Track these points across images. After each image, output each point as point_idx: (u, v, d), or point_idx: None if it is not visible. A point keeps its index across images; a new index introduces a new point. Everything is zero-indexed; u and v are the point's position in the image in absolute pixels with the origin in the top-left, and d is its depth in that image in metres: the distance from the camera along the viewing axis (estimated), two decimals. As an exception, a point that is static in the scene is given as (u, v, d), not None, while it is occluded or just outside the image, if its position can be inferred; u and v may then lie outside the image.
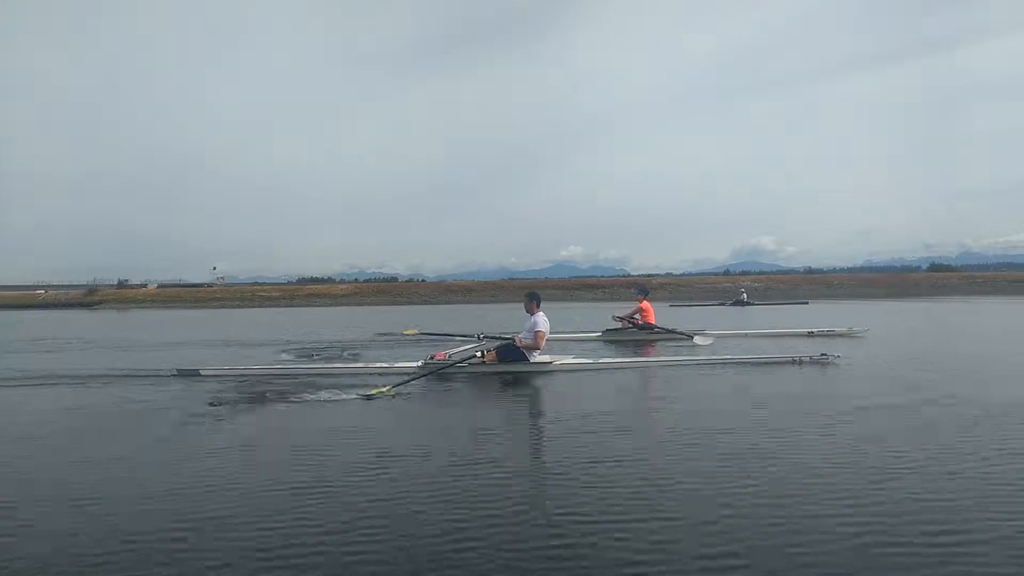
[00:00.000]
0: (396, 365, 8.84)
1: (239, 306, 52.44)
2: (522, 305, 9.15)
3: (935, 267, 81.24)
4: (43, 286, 77.50)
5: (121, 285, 73.57)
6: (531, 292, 9.31)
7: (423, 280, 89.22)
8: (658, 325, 13.67)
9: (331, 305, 51.15)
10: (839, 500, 3.54)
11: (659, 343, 12.76)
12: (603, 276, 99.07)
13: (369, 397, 6.79)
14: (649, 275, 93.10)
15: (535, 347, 8.64)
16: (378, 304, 50.70)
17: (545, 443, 5.16)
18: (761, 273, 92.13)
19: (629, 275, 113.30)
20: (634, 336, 13.51)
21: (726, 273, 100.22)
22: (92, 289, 68.25)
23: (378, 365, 9.01)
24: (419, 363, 8.65)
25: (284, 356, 11.51)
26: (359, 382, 7.85)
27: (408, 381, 7.50)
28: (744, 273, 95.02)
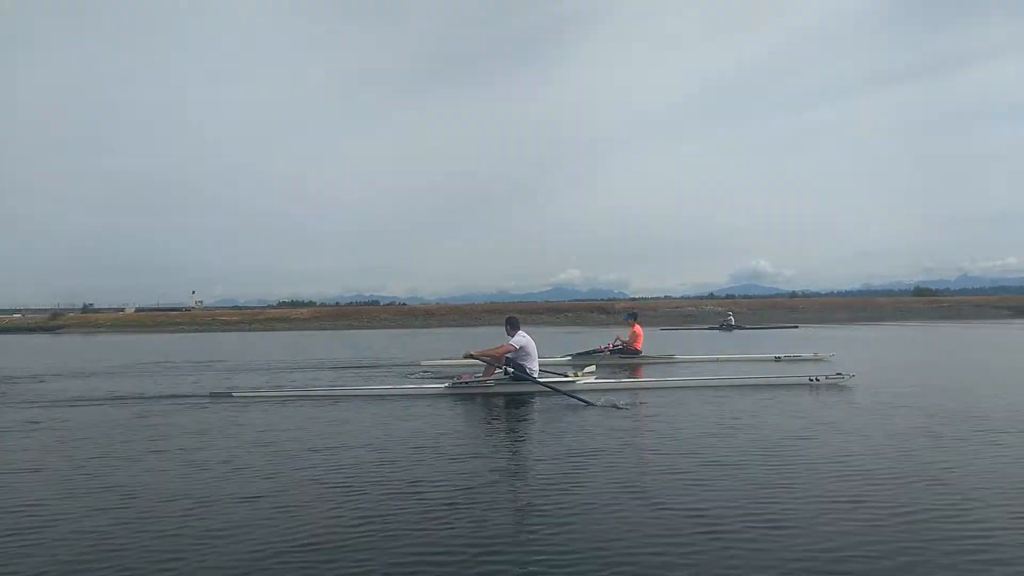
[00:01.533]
0: (424, 387, 9.21)
1: (197, 331, 51.89)
2: (502, 329, 9.70)
3: (920, 291, 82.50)
4: (21, 309, 76.76)
5: (86, 309, 72.84)
6: (509, 317, 9.79)
7: (422, 302, 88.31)
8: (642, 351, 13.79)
9: (289, 329, 50.52)
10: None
11: (632, 368, 12.66)
12: (602, 300, 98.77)
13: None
14: (633, 299, 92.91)
15: (492, 356, 9.02)
16: (338, 328, 50.13)
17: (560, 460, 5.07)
18: (747, 297, 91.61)
19: (629, 298, 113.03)
20: (603, 360, 13.37)
21: (727, 296, 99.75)
22: (56, 314, 67.53)
23: (408, 387, 9.32)
24: (446, 384, 9.04)
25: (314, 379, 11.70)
26: (391, 403, 8.21)
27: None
28: (729, 297, 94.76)
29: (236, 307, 79.63)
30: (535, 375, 9.05)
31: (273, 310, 65.99)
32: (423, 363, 13.71)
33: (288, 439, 6.03)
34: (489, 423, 7.03)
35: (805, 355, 13.95)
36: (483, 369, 9.11)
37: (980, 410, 6.87)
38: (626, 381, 9.71)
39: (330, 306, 78.35)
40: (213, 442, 5.93)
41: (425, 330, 44.92)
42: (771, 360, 13.52)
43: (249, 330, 50.72)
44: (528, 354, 9.07)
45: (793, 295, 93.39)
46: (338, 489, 4.28)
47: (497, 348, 9.10)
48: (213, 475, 4.74)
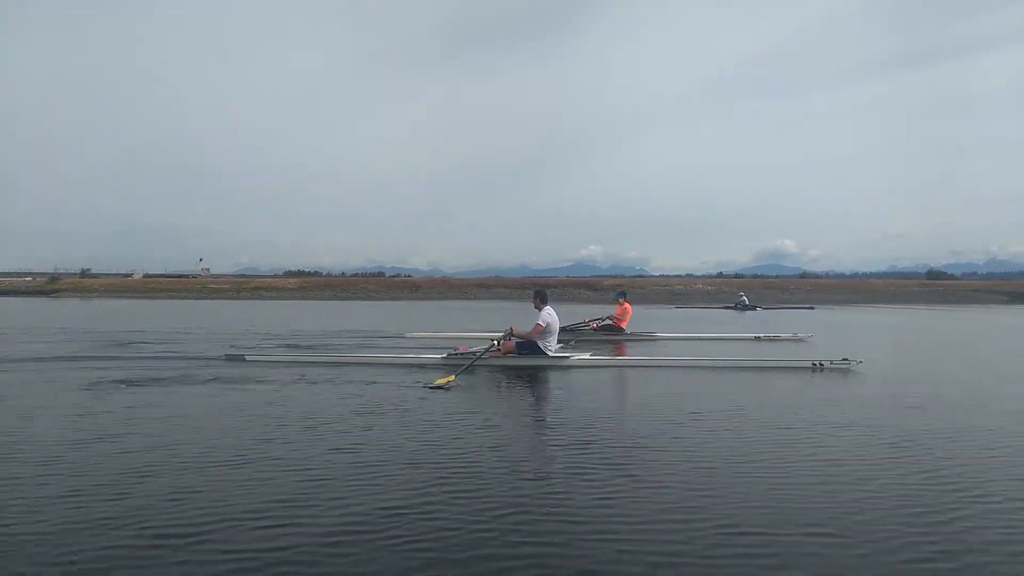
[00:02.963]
0: (422, 357, 9.38)
1: (185, 297, 52.37)
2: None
3: (933, 274, 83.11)
4: (32, 273, 77.74)
5: (84, 274, 73.74)
6: (537, 290, 10.01)
7: (443, 276, 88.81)
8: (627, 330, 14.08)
9: (276, 299, 50.64)
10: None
11: (615, 344, 12.82)
12: (623, 276, 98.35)
13: (437, 387, 7.02)
14: (639, 276, 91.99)
15: (530, 337, 9.12)
16: (325, 299, 50.13)
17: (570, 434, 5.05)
18: (779, 276, 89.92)
19: (649, 275, 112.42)
20: (585, 336, 13.58)
21: (755, 276, 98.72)
22: (54, 278, 68.28)
23: (407, 356, 9.62)
24: (443, 355, 9.10)
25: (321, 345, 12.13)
26: (395, 370, 8.48)
27: (465, 368, 8.09)
28: (757, 276, 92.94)
29: (257, 276, 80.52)
30: (549, 352, 9.16)
31: (260, 279, 66.21)
32: (409, 335, 14.15)
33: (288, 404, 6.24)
34: (480, 394, 7.12)
35: (784, 335, 14.08)
36: (499, 344, 9.05)
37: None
38: (622, 359, 9.79)
39: (320, 276, 79.27)
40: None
41: (417, 302, 44.77)
42: (751, 339, 13.86)
43: (235, 298, 50.96)
44: (550, 332, 9.20)
45: (803, 275, 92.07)
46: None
47: (534, 328, 9.16)
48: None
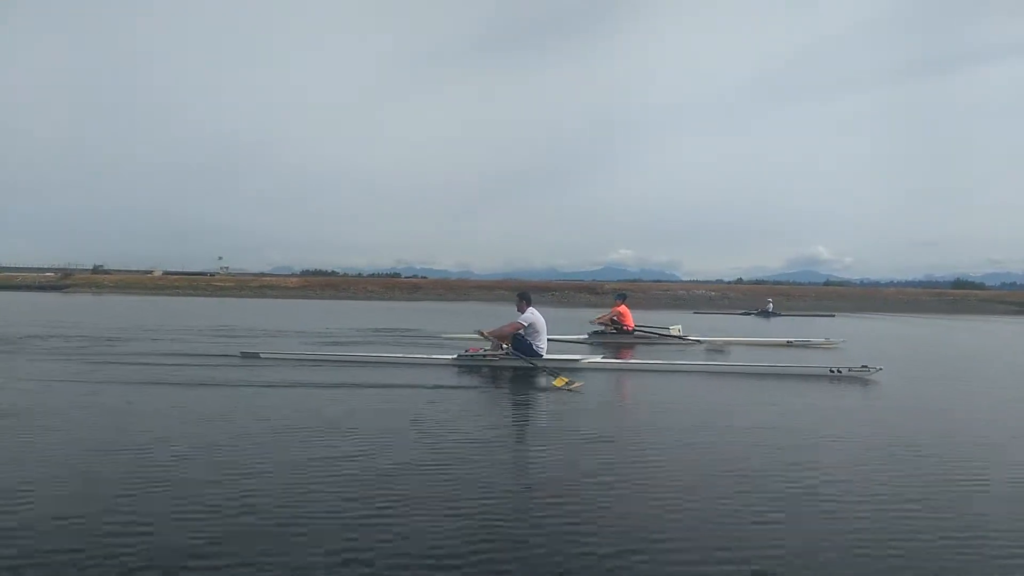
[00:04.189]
0: (433, 356, 9.60)
1: (191, 295, 53.13)
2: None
3: (959, 284, 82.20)
4: (54, 268, 78.82)
5: (96, 270, 74.78)
6: (521, 292, 10.01)
7: (472, 277, 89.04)
8: (638, 327, 14.31)
9: (278, 297, 51.06)
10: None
11: (656, 347, 13.09)
12: (653, 280, 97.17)
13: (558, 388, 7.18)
14: (672, 280, 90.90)
15: (502, 333, 9.20)
16: (324, 298, 50.37)
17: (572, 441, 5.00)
18: (811, 284, 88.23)
19: (678, 279, 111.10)
20: (619, 339, 13.94)
21: (786, 283, 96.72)
22: (67, 273, 69.38)
23: (418, 356, 9.77)
24: (454, 356, 9.33)
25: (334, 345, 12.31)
26: (406, 370, 8.59)
27: (549, 371, 8.05)
28: (791, 283, 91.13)
29: (291, 275, 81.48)
30: (542, 352, 9.14)
31: (264, 277, 66.74)
32: (443, 336, 14.32)
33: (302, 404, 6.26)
34: (486, 394, 7.29)
35: (815, 340, 14.09)
36: (491, 344, 9.28)
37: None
38: (632, 363, 9.64)
39: (323, 275, 79.83)
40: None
41: (416, 303, 44.66)
42: (783, 344, 13.77)
43: (239, 296, 51.50)
44: (536, 331, 9.19)
45: (828, 283, 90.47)
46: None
47: (507, 325, 9.26)
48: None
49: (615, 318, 14.29)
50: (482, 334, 9.38)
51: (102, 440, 4.62)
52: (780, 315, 32.98)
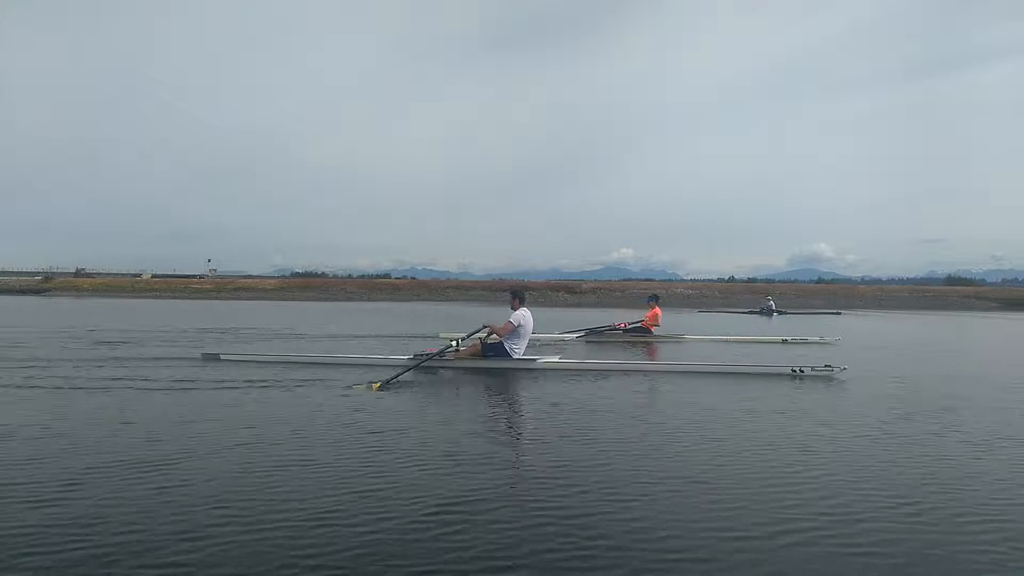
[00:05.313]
0: (390, 357, 9.48)
1: (169, 297, 53.01)
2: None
3: (952, 280, 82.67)
4: (40, 272, 78.51)
5: (78, 274, 74.54)
6: (515, 290, 9.81)
7: (472, 278, 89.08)
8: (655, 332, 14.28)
9: (254, 299, 50.77)
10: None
11: (642, 346, 12.95)
12: (654, 279, 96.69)
13: (349, 387, 7.04)
14: (668, 280, 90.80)
15: (500, 332, 9.04)
16: (301, 300, 50.09)
17: (515, 438, 5.07)
18: (814, 282, 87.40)
19: (680, 279, 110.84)
20: (614, 338, 13.94)
21: (789, 281, 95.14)
22: (48, 277, 69.15)
23: (374, 356, 9.72)
24: (410, 356, 9.12)
25: (298, 344, 12.50)
26: (356, 370, 8.46)
27: (396, 376, 7.71)
28: (795, 282, 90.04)
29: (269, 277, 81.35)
30: (515, 355, 8.97)
31: (240, 279, 66.54)
32: (441, 335, 14.02)
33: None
34: (435, 396, 7.05)
35: (812, 338, 14.23)
36: (459, 345, 9.13)
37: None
38: (589, 363, 9.40)
39: (299, 276, 79.68)
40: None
41: (395, 303, 44.39)
42: (778, 342, 13.81)
43: (215, 298, 51.28)
44: (518, 335, 9.07)
45: (823, 280, 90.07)
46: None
47: (503, 325, 9.11)
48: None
49: (646, 320, 14.36)
50: (488, 327, 9.31)
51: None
52: (784, 313, 32.81)
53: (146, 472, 3.83)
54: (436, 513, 3.21)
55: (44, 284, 64.00)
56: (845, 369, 8.14)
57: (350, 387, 7.10)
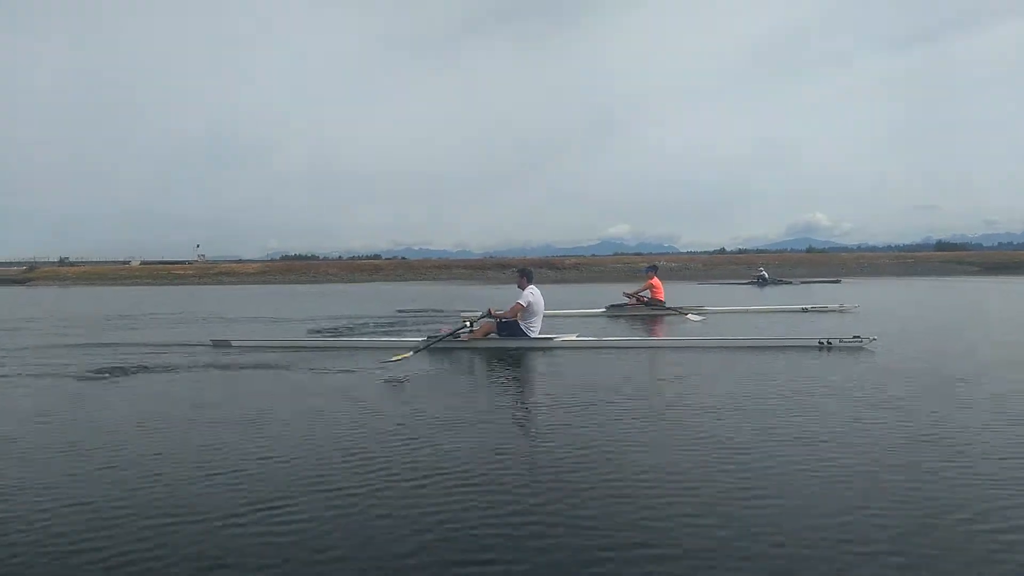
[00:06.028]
0: (404, 340, 9.30)
1: (151, 284, 52.65)
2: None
3: (941, 246, 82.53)
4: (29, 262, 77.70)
5: (62, 263, 74.15)
6: (522, 268, 9.64)
7: (470, 256, 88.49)
8: (666, 303, 14.02)
9: (237, 284, 50.57)
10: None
11: (663, 321, 12.91)
12: (651, 253, 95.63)
13: (387, 362, 7.09)
14: (664, 252, 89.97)
15: (509, 316, 8.81)
16: (287, 283, 49.91)
17: (532, 421, 4.96)
18: (811, 251, 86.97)
19: (676, 252, 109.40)
20: (637, 312, 13.94)
21: (784, 251, 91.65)
22: (32, 267, 68.79)
23: (388, 339, 9.60)
24: (424, 337, 8.87)
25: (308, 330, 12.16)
26: (372, 354, 8.14)
27: (421, 348, 7.93)
28: (785, 251, 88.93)
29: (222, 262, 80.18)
30: (531, 334, 8.77)
31: (222, 264, 66.15)
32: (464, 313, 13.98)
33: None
34: (458, 377, 7.07)
35: (831, 306, 14.13)
36: (473, 325, 8.82)
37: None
38: (608, 340, 9.26)
39: (278, 260, 79.23)
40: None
41: (377, 284, 44.20)
42: (799, 311, 13.84)
43: (199, 284, 51.03)
44: (532, 313, 8.83)
45: (813, 249, 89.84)
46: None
47: (511, 308, 8.86)
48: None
49: (647, 291, 14.26)
50: (492, 313, 8.90)
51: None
52: (781, 282, 32.22)
53: (206, 461, 3.75)
54: (455, 502, 3.05)
55: (27, 274, 63.60)
56: (875, 340, 7.73)
57: (384, 362, 7.08)
